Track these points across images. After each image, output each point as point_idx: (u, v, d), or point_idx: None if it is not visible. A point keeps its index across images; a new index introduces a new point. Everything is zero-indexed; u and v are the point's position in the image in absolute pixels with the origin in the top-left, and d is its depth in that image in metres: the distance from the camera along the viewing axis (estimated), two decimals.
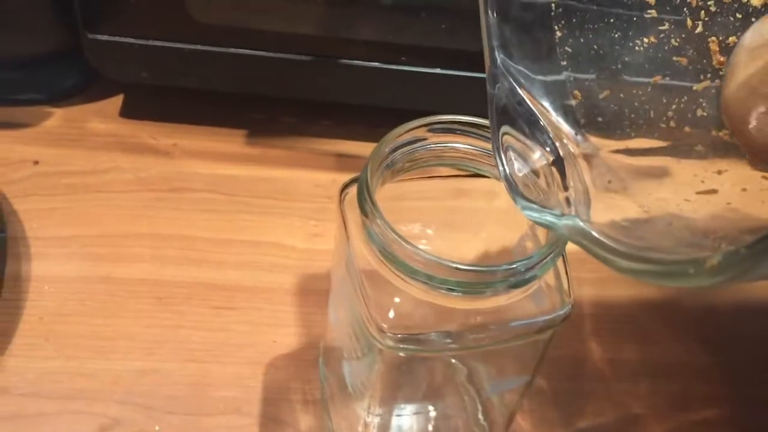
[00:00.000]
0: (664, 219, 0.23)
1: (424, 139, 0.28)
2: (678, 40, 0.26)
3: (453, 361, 0.32)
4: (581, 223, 0.23)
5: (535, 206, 0.24)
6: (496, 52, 0.26)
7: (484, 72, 0.26)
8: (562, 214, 0.24)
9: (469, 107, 0.29)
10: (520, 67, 0.26)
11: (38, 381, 0.35)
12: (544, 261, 0.24)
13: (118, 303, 0.38)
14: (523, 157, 0.26)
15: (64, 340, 0.36)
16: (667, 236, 0.22)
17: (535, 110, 0.26)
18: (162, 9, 0.40)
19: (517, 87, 0.26)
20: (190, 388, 0.36)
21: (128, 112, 0.47)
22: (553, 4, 0.26)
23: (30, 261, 0.39)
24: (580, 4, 0.26)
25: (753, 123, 0.23)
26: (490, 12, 0.26)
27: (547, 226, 0.24)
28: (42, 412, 0.34)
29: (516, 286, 0.25)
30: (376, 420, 0.31)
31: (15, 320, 0.36)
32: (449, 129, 0.28)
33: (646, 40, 0.26)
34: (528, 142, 0.26)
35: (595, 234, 0.22)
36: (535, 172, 0.26)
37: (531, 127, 0.26)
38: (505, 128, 0.26)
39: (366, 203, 0.25)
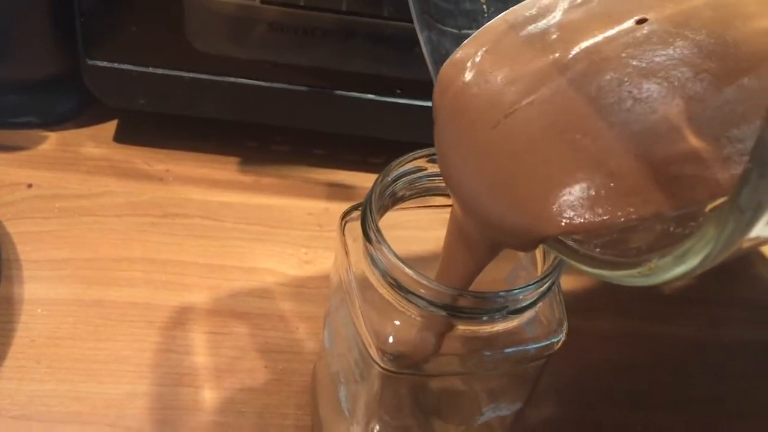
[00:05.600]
0: None
1: (424, 169, 0.29)
2: None
3: (446, 385, 0.32)
4: None
5: None
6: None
7: None
8: None
9: None
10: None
11: (29, 404, 0.35)
12: (542, 289, 0.25)
13: (110, 327, 0.38)
14: None
15: (56, 363, 0.36)
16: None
17: None
18: (162, 37, 0.40)
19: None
20: (182, 413, 0.36)
21: (122, 137, 0.47)
22: None
23: (23, 283, 0.39)
24: None
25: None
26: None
27: None
28: None
29: (514, 312, 0.25)
30: None
31: (7, 342, 0.36)
32: None
33: None
34: None
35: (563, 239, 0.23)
36: None
37: None
38: None
39: (370, 230, 0.26)
